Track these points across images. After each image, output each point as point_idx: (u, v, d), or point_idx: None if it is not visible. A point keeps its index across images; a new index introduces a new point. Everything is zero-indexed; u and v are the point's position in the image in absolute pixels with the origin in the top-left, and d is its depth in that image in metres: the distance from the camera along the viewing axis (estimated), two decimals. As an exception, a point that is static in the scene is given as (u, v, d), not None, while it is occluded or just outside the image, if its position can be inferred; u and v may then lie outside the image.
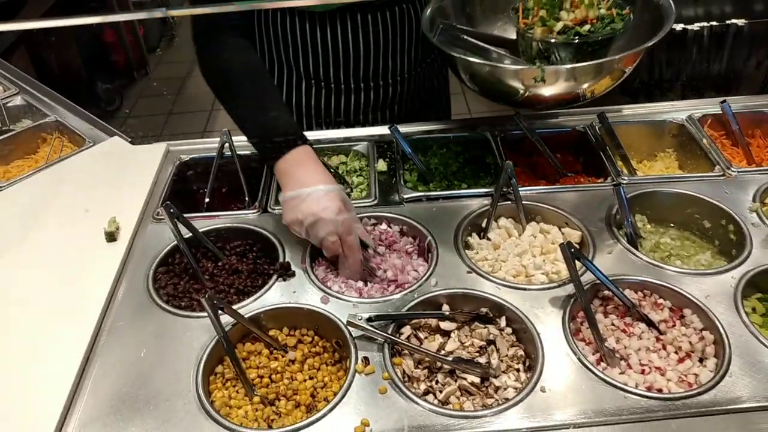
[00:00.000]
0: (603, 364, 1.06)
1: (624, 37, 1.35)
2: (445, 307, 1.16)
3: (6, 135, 1.78)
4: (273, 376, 1.09)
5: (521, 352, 1.09)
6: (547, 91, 1.31)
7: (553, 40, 1.30)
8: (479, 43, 1.49)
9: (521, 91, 1.33)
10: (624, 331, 1.12)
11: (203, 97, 4.30)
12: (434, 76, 1.76)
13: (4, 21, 1.07)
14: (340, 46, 1.52)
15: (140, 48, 4.67)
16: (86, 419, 1.00)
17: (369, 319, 1.09)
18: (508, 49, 1.47)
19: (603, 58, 1.31)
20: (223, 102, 1.37)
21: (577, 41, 1.29)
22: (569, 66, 1.30)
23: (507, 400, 1.00)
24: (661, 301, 1.17)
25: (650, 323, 1.12)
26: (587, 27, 1.28)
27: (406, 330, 1.13)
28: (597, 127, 1.59)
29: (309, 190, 1.21)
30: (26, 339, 1.14)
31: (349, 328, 1.10)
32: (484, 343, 1.10)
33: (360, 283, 1.22)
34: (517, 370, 1.06)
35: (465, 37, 1.50)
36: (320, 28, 1.49)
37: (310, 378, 1.09)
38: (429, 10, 1.49)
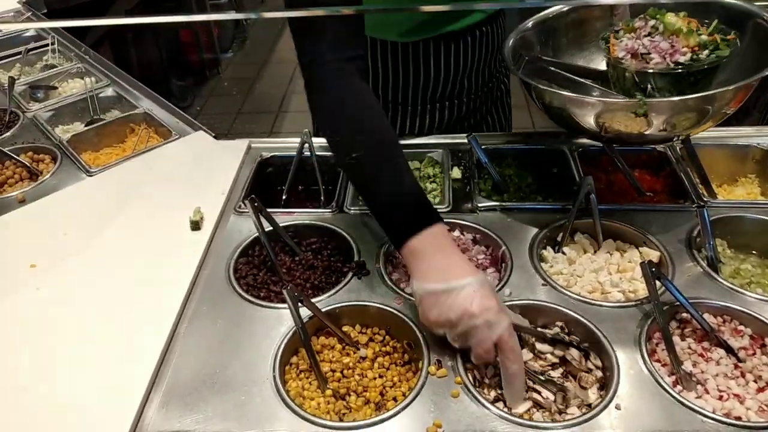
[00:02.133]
0: (679, 387, 1.04)
1: (728, 68, 1.25)
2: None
3: (97, 124, 1.88)
4: (344, 371, 1.11)
5: (599, 373, 1.08)
6: (647, 126, 1.19)
7: (651, 70, 1.22)
8: (566, 74, 1.42)
9: (617, 126, 1.22)
10: (701, 355, 1.10)
11: (272, 98, 4.42)
12: (497, 88, 1.77)
13: (93, 17, 1.13)
14: (415, 72, 1.54)
15: (214, 48, 4.83)
16: (169, 397, 1.04)
17: None
18: (598, 81, 1.39)
19: (707, 90, 1.20)
20: (343, 165, 1.24)
21: (679, 70, 1.20)
22: (678, 98, 1.17)
23: (582, 413, 0.99)
24: (741, 327, 1.14)
25: (729, 350, 1.10)
26: (688, 56, 1.20)
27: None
28: (678, 148, 1.56)
29: (461, 282, 1.00)
30: (113, 320, 1.20)
31: (423, 331, 1.12)
32: (557, 360, 1.09)
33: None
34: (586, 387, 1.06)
35: (551, 68, 1.44)
36: (401, 56, 1.52)
37: (380, 376, 1.11)
38: (511, 40, 1.42)
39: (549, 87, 1.31)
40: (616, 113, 1.20)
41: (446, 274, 1.02)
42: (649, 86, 1.23)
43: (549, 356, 1.09)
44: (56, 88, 2.10)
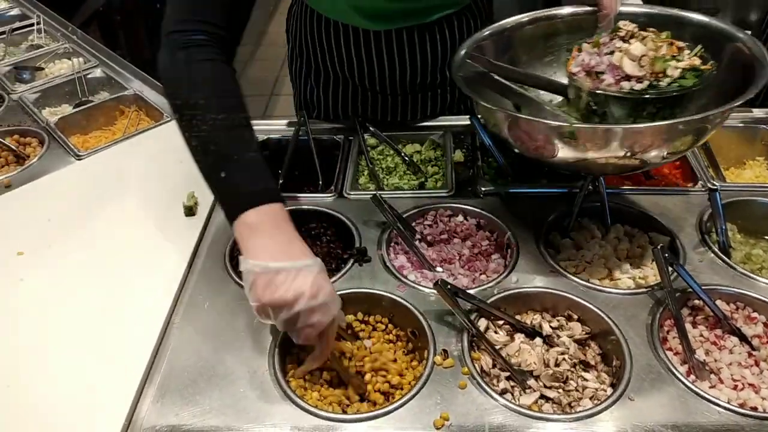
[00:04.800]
0: (692, 376, 1.01)
1: (707, 93, 1.11)
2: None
3: (85, 106, 1.81)
4: (348, 361, 1.08)
5: (606, 364, 1.05)
6: (586, 153, 1.03)
7: (600, 92, 1.08)
8: (517, 87, 1.24)
9: (552, 150, 1.06)
10: (714, 343, 1.07)
11: (263, 81, 4.33)
12: None
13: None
14: (390, 60, 1.50)
15: (205, 30, 4.73)
16: (164, 389, 1.00)
17: (455, 293, 1.06)
18: (562, 96, 1.21)
19: (666, 120, 1.06)
20: (187, 138, 1.06)
21: (630, 97, 1.06)
22: (607, 126, 1.04)
23: (593, 405, 0.96)
24: (755, 314, 1.11)
25: (743, 337, 1.07)
26: (645, 83, 1.05)
27: (483, 323, 1.10)
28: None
29: (301, 263, 0.94)
30: (105, 309, 1.15)
31: (427, 318, 1.08)
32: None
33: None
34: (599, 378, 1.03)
35: (502, 80, 1.24)
36: (375, 43, 1.48)
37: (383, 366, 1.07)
38: (464, 48, 1.25)
39: (480, 99, 1.12)
40: (547, 134, 1.06)
41: (285, 254, 0.95)
42: (606, 111, 1.11)
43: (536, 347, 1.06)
44: (43, 69, 2.03)
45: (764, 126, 1.54)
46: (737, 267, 1.17)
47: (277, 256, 0.94)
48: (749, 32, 1.14)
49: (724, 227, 1.23)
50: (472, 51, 1.25)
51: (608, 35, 1.13)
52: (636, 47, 1.07)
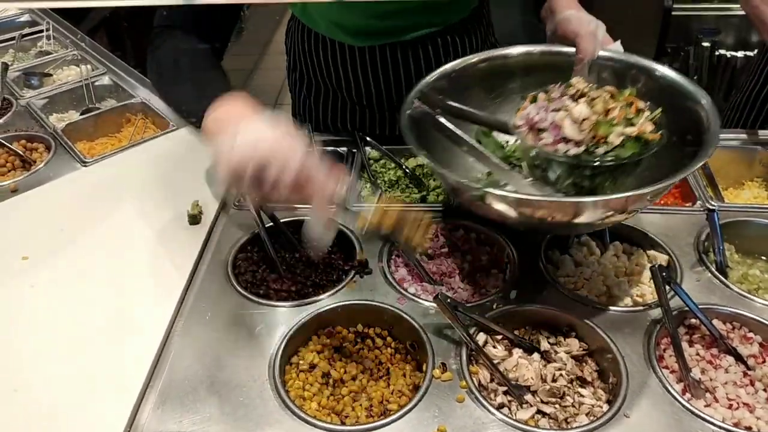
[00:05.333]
0: (688, 395, 1.02)
1: (660, 159, 1.09)
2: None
3: (92, 113, 1.83)
4: (344, 376, 1.09)
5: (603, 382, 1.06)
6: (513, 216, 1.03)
7: (535, 151, 1.07)
8: (469, 140, 1.21)
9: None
10: (710, 362, 1.08)
11: (268, 91, 4.36)
12: None
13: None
14: (374, 76, 1.53)
15: (210, 38, 4.77)
16: (165, 397, 1.01)
17: (455, 308, 1.07)
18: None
19: (602, 188, 1.06)
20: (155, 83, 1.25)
21: (562, 160, 1.05)
22: (518, 196, 1.03)
23: (589, 422, 0.97)
24: (750, 334, 1.12)
25: (738, 357, 1.08)
26: (581, 148, 1.03)
27: (481, 337, 1.11)
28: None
29: (248, 121, 0.95)
30: (107, 316, 1.16)
31: (427, 331, 1.09)
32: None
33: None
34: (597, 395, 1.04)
35: (452, 127, 1.19)
36: (360, 59, 1.50)
37: (382, 378, 1.09)
38: (416, 90, 1.22)
39: (417, 143, 1.10)
40: (460, 189, 1.06)
41: (236, 120, 0.96)
42: (548, 169, 1.10)
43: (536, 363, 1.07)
44: (51, 75, 2.05)
45: (762, 147, 1.56)
46: (734, 287, 1.18)
47: (230, 124, 0.94)
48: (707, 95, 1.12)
49: (721, 247, 1.24)
50: (425, 91, 1.22)
51: (559, 90, 1.11)
52: (579, 109, 1.04)
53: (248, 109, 0.99)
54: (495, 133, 1.28)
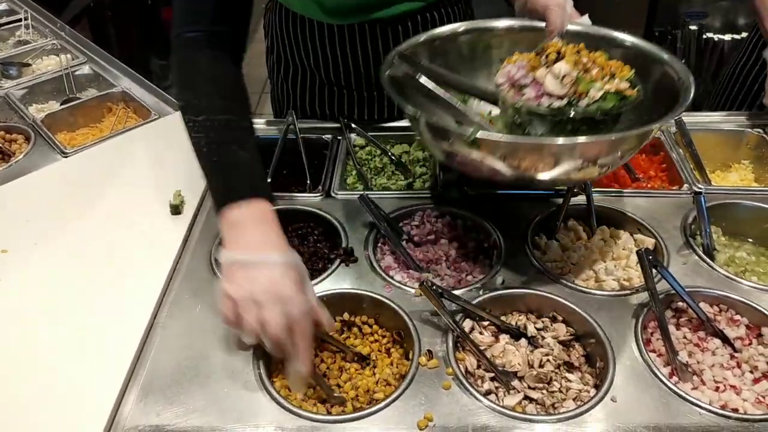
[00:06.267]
0: (675, 378, 1.02)
1: (633, 116, 1.12)
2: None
3: (72, 103, 1.80)
4: (331, 366, 1.08)
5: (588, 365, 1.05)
6: (496, 164, 1.03)
7: (519, 106, 1.07)
8: (448, 99, 1.18)
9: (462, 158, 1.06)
10: (697, 345, 1.08)
11: (254, 80, 4.31)
12: None
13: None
14: (359, 55, 1.51)
15: (195, 27, 4.71)
16: (147, 389, 1.00)
17: (440, 294, 1.06)
18: (494, 104, 1.20)
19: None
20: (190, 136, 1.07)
21: (544, 113, 1.06)
22: (507, 139, 1.03)
23: (576, 406, 0.96)
24: (737, 317, 1.12)
25: (725, 339, 1.08)
26: (564, 101, 1.04)
27: (468, 323, 1.10)
28: (672, 132, 1.53)
29: (269, 257, 0.96)
30: (88, 308, 1.14)
31: (413, 318, 1.08)
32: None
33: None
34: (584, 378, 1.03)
35: (432, 87, 1.17)
36: (339, 38, 1.48)
37: (368, 367, 1.07)
38: (397, 50, 1.22)
39: (407, 103, 1.10)
40: (452, 139, 1.05)
41: (257, 247, 0.96)
42: (527, 126, 1.10)
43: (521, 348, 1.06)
44: (30, 65, 2.01)
45: (750, 130, 1.55)
46: (721, 270, 1.18)
47: (247, 248, 0.96)
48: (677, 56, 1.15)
49: (708, 230, 1.24)
50: (406, 54, 1.21)
51: (537, 51, 1.12)
52: (559, 66, 1.05)
53: (263, 236, 0.99)
54: (474, 102, 1.26)
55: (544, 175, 1.05)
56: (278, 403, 0.97)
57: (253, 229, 0.98)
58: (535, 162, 1.03)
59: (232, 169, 1.03)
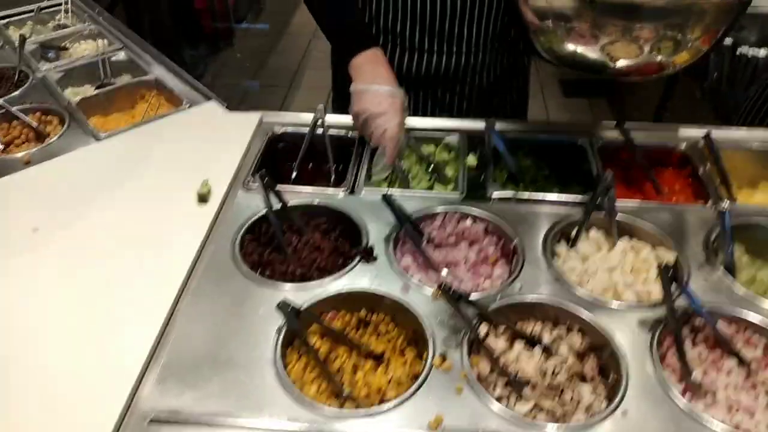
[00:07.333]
0: (688, 396, 1.01)
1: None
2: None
3: (107, 88, 1.84)
4: (346, 361, 1.09)
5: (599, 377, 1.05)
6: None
7: None
8: None
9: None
10: (713, 363, 1.07)
11: (283, 73, 4.35)
12: (513, 71, 1.73)
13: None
14: (418, 7, 1.51)
15: (228, 18, 4.76)
16: (166, 374, 1.02)
17: (458, 297, 1.07)
18: None
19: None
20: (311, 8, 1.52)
21: None
22: None
23: (587, 418, 0.97)
24: (755, 338, 1.11)
25: (741, 360, 1.07)
26: None
27: (483, 328, 1.11)
28: (701, 147, 1.52)
29: (377, 87, 1.37)
30: (113, 290, 1.17)
31: (429, 320, 1.09)
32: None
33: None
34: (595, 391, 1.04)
35: None
36: None
37: (382, 365, 1.09)
38: None
39: None
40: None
41: (371, 80, 1.38)
42: None
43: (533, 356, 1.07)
44: (67, 48, 2.06)
45: (780, 149, 1.53)
46: (741, 289, 1.17)
47: (364, 81, 1.39)
48: None
49: (731, 248, 1.23)
50: None
51: None
52: None
53: (376, 73, 1.41)
54: None
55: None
56: (293, 394, 0.99)
57: (368, 68, 1.41)
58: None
59: (350, 29, 1.48)
